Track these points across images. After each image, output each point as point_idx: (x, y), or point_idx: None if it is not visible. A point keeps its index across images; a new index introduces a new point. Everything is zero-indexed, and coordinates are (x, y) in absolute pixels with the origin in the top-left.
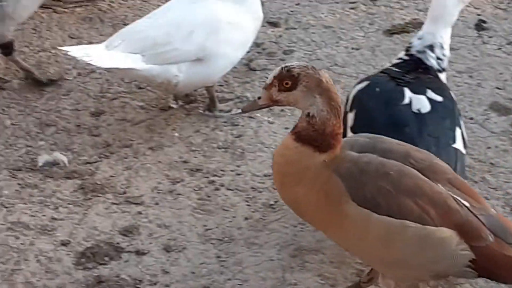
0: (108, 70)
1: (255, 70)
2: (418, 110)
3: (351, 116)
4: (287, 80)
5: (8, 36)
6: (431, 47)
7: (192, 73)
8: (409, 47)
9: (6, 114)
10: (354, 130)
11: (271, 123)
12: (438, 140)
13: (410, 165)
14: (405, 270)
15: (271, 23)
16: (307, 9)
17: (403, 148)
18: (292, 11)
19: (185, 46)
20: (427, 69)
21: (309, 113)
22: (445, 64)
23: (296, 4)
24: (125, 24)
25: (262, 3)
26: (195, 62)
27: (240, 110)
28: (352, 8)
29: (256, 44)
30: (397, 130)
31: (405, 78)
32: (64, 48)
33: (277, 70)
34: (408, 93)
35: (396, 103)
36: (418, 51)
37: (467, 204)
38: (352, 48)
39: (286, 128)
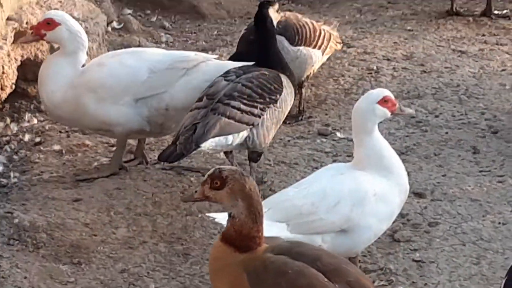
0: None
1: (399, 241)
2: None
3: (502, 284)
4: (217, 180)
5: None
6: None
7: (335, 244)
8: None
9: (151, 277)
10: None
11: None
12: None
13: (316, 268)
14: None
15: (417, 194)
16: (453, 180)
17: (316, 253)
18: (438, 182)
19: (330, 217)
20: None
21: (231, 213)
22: None
23: (443, 175)
24: (271, 190)
25: (408, 174)
26: (339, 233)
27: (382, 282)
28: (500, 182)
29: (401, 215)
30: None
31: None
32: (211, 214)
33: (211, 170)
34: None
35: None
36: None
37: None
38: (499, 223)
39: None
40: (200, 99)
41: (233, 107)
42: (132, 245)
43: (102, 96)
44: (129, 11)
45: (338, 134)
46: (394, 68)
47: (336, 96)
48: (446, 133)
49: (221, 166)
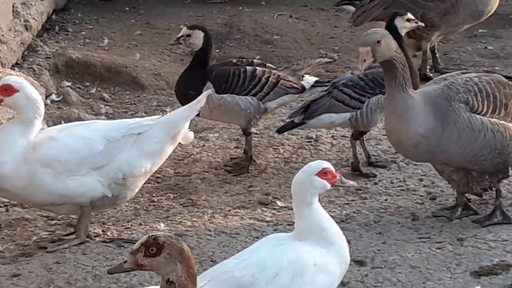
0: None
1: None
2: None
3: None
4: (153, 247)
5: None
6: None
7: None
8: None
9: None
10: None
11: None
12: None
13: None
14: None
15: (357, 262)
16: (394, 248)
17: None
18: (378, 250)
19: None
20: None
21: (169, 279)
22: None
23: (383, 243)
24: (212, 261)
25: (349, 242)
26: None
27: None
28: (439, 248)
29: (342, 283)
30: None
31: None
32: None
33: (145, 238)
34: None
35: None
36: None
37: None
38: None
39: None
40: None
41: (344, 93)
42: None
43: (59, 171)
44: (68, 83)
45: (279, 203)
46: (333, 136)
47: (276, 165)
48: (386, 200)
49: (153, 234)
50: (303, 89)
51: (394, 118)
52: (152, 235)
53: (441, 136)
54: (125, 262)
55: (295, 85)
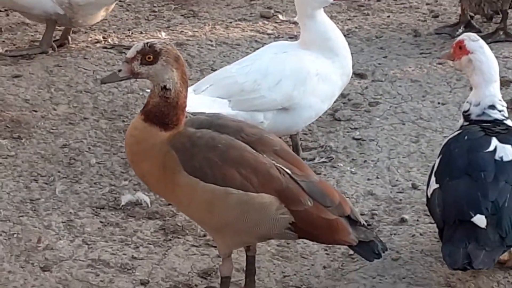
0: (194, 114)
1: (339, 120)
2: (501, 158)
3: (437, 161)
4: (150, 55)
5: None
6: (491, 107)
7: (277, 121)
8: (468, 115)
9: (92, 152)
10: (437, 174)
11: (354, 173)
12: None
13: (241, 139)
14: (231, 234)
15: (358, 75)
16: (394, 62)
17: (237, 124)
18: (379, 64)
19: (271, 94)
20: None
21: (165, 85)
22: (506, 113)
23: (384, 57)
24: (213, 70)
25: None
26: (280, 111)
27: (323, 159)
28: (440, 64)
29: (342, 95)
30: (474, 174)
31: (495, 129)
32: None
33: (140, 45)
34: (494, 142)
35: (479, 150)
36: (478, 115)
37: (289, 172)
38: (438, 103)
39: (368, 179)
40: None
41: None
42: (73, 121)
43: None
44: None
45: (280, 16)
46: None
47: None
48: (388, 16)
49: (148, 41)
50: None
51: None
52: (147, 43)
53: None
54: (119, 70)
55: None
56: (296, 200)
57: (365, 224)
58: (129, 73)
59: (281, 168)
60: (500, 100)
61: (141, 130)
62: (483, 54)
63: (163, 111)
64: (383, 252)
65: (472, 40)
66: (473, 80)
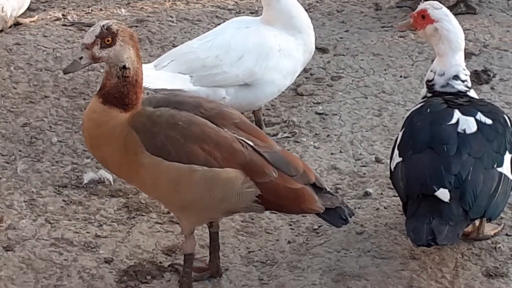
0: (155, 91)
1: (302, 95)
2: (463, 130)
3: (400, 134)
4: (108, 37)
5: None
6: (456, 77)
7: (239, 97)
8: (432, 85)
9: (53, 131)
10: (400, 147)
11: (317, 148)
12: (480, 161)
13: (201, 114)
14: (197, 212)
15: (320, 49)
16: (356, 36)
17: (195, 100)
18: (341, 38)
19: (233, 70)
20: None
21: (124, 65)
22: (469, 83)
23: (345, 31)
24: (174, 46)
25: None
26: (242, 86)
27: (286, 134)
28: (402, 37)
29: (304, 70)
30: (437, 147)
31: (457, 101)
32: None
33: (97, 29)
34: (457, 114)
35: (442, 122)
36: (443, 86)
37: (251, 144)
38: (401, 76)
39: (332, 154)
40: None
41: None
42: (33, 99)
43: None
44: None
45: None
46: None
47: None
48: None
49: (104, 23)
50: None
51: None
52: (103, 25)
53: None
54: (80, 58)
55: None
56: (261, 172)
57: (330, 190)
58: (91, 59)
59: (243, 140)
60: (464, 69)
61: (100, 113)
62: (449, 22)
63: (122, 91)
64: (350, 217)
65: (436, 9)
66: (439, 49)
